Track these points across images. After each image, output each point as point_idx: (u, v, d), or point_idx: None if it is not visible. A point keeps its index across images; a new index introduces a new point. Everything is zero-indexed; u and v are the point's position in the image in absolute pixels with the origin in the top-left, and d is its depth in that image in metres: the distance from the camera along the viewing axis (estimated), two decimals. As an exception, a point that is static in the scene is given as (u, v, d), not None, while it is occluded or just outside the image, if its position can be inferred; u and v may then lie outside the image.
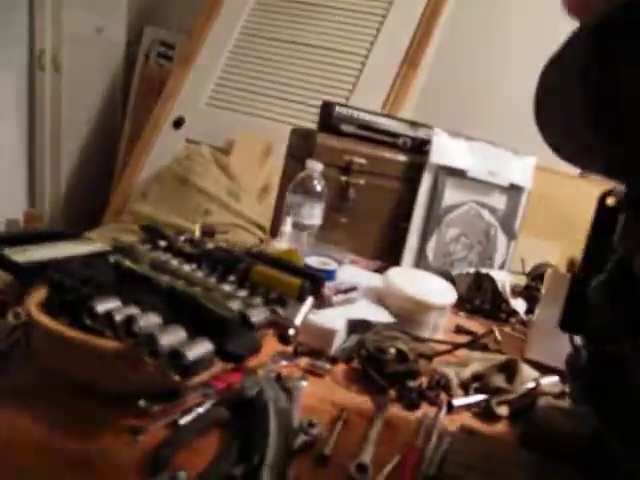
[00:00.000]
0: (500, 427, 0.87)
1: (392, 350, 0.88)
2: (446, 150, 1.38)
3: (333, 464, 0.69)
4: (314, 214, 1.23)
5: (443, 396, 0.89)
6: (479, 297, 1.32)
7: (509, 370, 0.93)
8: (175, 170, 2.41)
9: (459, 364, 0.98)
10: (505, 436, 0.84)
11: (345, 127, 1.42)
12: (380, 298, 1.10)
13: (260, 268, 0.84)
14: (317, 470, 0.68)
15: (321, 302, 0.98)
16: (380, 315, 1.05)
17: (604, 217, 0.74)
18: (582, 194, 2.21)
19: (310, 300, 0.84)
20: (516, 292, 1.50)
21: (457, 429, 0.79)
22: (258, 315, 0.75)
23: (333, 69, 2.58)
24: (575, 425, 0.82)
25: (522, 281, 1.47)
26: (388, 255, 1.40)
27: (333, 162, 1.36)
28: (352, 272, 1.22)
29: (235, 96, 2.71)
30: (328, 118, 1.42)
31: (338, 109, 1.43)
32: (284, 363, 0.89)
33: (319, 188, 1.23)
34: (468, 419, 0.87)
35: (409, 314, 1.06)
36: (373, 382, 0.87)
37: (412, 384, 0.88)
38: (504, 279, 1.31)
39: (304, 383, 0.84)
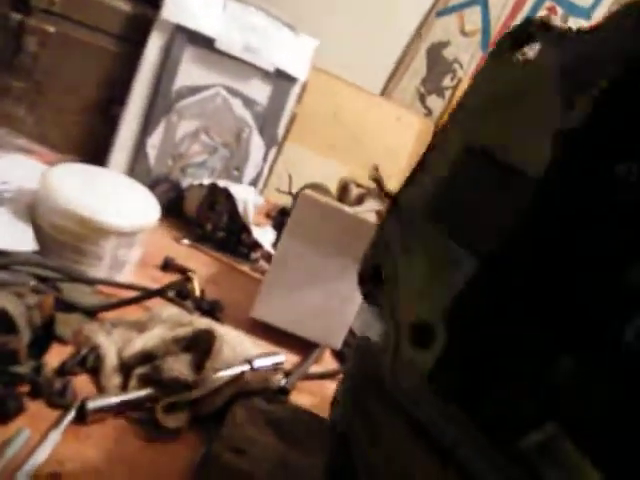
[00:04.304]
0: (173, 447, 0.52)
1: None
2: (189, 5, 0.95)
3: None
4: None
5: (86, 385, 0.52)
6: (212, 220, 0.95)
7: (205, 345, 0.58)
8: None
9: (137, 326, 0.62)
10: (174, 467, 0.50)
11: None
12: (34, 209, 0.68)
13: None
14: None
15: None
16: (18, 238, 0.63)
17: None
18: (381, 113, 1.93)
19: None
20: (270, 218, 1.16)
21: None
22: None
23: None
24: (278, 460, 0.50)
25: (288, 204, 1.13)
26: (95, 149, 0.97)
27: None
28: (19, 166, 0.78)
29: None
30: None
31: None
32: None
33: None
34: (122, 431, 0.51)
35: (73, 239, 0.66)
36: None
37: (19, 369, 0.49)
38: (247, 198, 0.94)
39: None
